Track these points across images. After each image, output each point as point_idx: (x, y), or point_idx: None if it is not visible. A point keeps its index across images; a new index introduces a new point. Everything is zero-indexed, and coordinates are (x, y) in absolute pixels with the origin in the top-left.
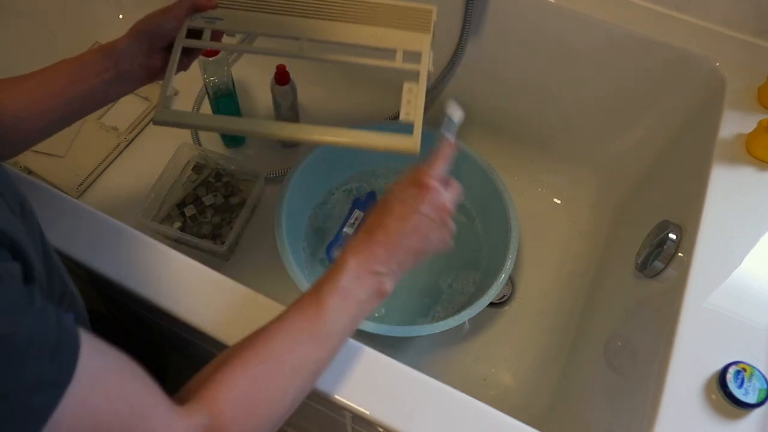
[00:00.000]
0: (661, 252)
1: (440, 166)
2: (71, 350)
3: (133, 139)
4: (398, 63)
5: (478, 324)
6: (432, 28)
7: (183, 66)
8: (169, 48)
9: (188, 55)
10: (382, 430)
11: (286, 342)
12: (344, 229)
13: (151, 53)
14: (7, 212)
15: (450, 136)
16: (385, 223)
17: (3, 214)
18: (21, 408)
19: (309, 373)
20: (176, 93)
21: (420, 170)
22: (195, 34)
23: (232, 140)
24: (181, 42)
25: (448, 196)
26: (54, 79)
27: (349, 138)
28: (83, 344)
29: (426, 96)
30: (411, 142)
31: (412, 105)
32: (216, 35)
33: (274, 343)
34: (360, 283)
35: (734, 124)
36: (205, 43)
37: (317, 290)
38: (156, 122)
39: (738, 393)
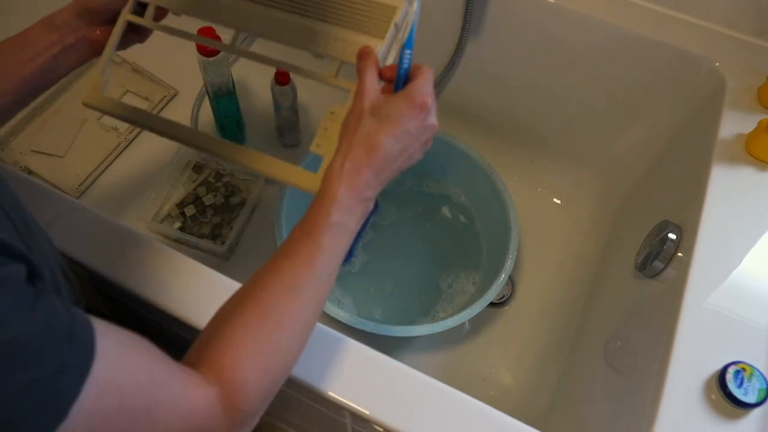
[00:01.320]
0: (661, 252)
1: (429, 79)
2: (87, 334)
3: (133, 139)
4: (331, 77)
5: (478, 324)
6: (389, 34)
7: (133, 41)
8: (114, 22)
9: (137, 31)
10: (382, 430)
11: (285, 290)
12: None
13: (94, 27)
14: (6, 223)
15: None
16: (381, 145)
17: (1, 225)
18: (49, 393)
19: (311, 315)
20: (176, 94)
21: (418, 88)
22: (142, 9)
23: (232, 140)
24: (124, 17)
25: (434, 113)
26: (3, 63)
27: (252, 162)
28: (96, 327)
29: None
30: (312, 181)
31: (328, 135)
32: (160, 13)
33: (273, 293)
34: (351, 213)
35: (734, 124)
36: (148, 21)
37: (309, 229)
38: (84, 104)
39: (738, 393)
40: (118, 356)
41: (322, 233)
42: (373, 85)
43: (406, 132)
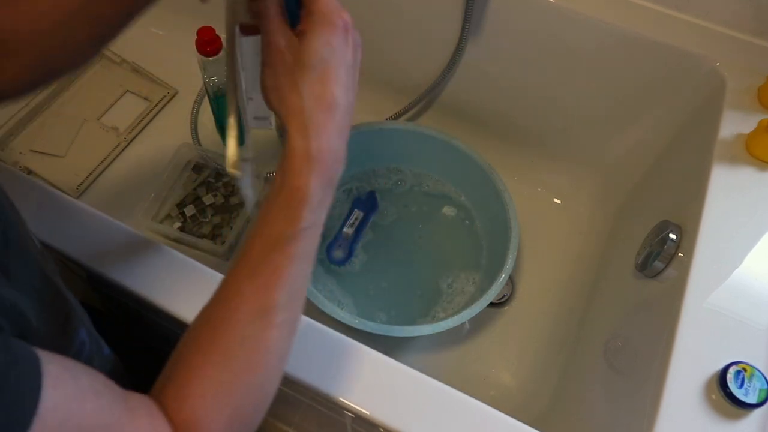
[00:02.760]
0: (661, 252)
1: None
2: (32, 390)
3: (133, 139)
4: None
5: (478, 324)
6: None
7: None
8: None
9: None
10: (382, 430)
11: (253, 316)
12: (344, 229)
13: None
14: None
15: None
16: (337, 100)
17: None
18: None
19: (287, 341)
20: (176, 93)
21: (327, 5)
22: None
23: None
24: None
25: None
26: None
27: None
28: (45, 376)
29: (424, 98)
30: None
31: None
32: None
33: (238, 321)
34: (324, 206)
35: (734, 124)
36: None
37: (276, 238)
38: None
39: (738, 393)
40: (64, 409)
41: (294, 243)
42: (283, 26)
43: (347, 67)
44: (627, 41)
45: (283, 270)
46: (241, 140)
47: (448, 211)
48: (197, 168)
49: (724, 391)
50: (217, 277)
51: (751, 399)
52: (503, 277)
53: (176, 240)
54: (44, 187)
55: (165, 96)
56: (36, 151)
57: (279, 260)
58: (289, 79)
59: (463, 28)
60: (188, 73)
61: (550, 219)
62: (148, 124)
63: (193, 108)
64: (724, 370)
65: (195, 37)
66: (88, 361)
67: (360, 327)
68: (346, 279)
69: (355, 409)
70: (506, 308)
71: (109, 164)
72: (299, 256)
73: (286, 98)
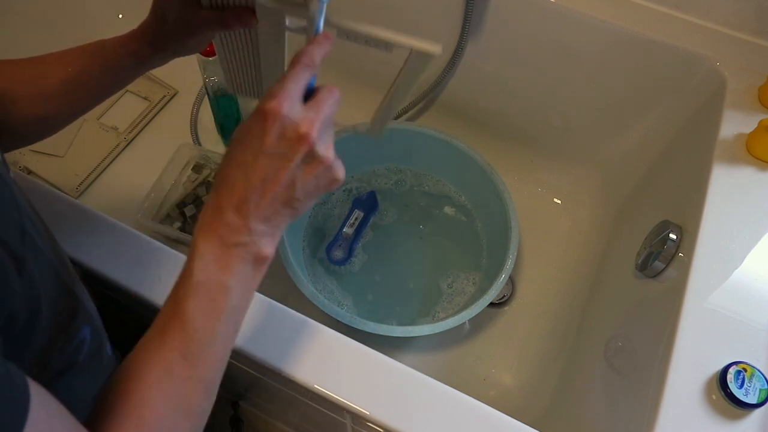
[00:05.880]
0: (661, 252)
1: (296, 78)
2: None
3: (132, 139)
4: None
5: (478, 324)
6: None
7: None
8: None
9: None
10: (381, 430)
11: (157, 380)
12: (344, 229)
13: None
14: None
15: (317, 22)
16: (230, 179)
17: None
18: None
19: (199, 397)
20: (176, 93)
21: (265, 95)
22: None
23: None
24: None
25: (309, 116)
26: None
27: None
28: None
29: (424, 98)
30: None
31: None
32: None
33: (144, 387)
34: (221, 265)
35: (734, 124)
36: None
37: (174, 295)
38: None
39: (738, 393)
40: None
41: (187, 298)
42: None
43: (258, 153)
44: (627, 41)
45: (184, 330)
46: None
47: (448, 211)
48: (197, 168)
49: (725, 392)
50: None
51: (752, 399)
52: (503, 277)
53: (176, 240)
54: (44, 187)
55: (165, 96)
56: (36, 151)
57: (176, 317)
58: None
59: (463, 28)
60: (188, 73)
61: (550, 219)
62: (148, 124)
63: (193, 108)
64: (725, 370)
65: None
66: (86, 359)
67: (360, 327)
68: (346, 279)
69: (355, 409)
70: (506, 308)
71: (109, 164)
72: (198, 312)
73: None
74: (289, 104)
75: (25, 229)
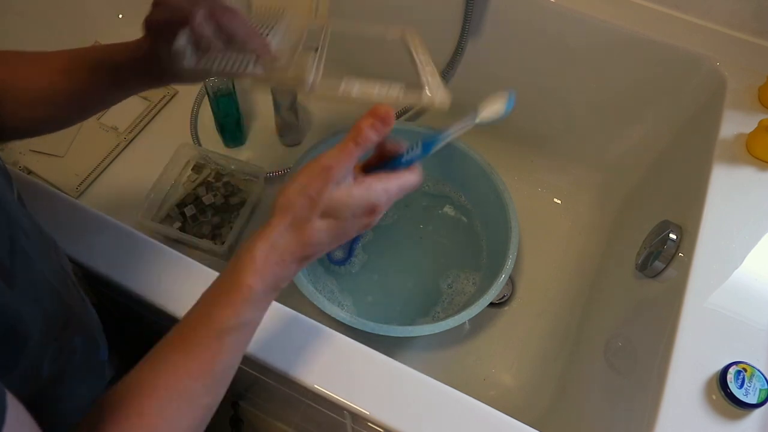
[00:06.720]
0: (661, 252)
1: (402, 188)
2: None
3: (132, 139)
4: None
5: (478, 324)
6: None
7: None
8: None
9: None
10: (382, 430)
11: (176, 390)
12: None
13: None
14: None
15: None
16: (314, 238)
17: None
18: None
19: (202, 420)
20: (176, 94)
21: (384, 193)
22: None
23: (232, 140)
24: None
25: (389, 193)
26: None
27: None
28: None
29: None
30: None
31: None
32: None
33: (160, 393)
34: (262, 308)
35: (734, 124)
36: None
37: (217, 324)
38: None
39: (738, 393)
40: None
41: (232, 333)
42: (347, 164)
43: (345, 229)
44: (627, 41)
45: (216, 358)
46: (240, 139)
47: (448, 211)
48: (197, 168)
49: (725, 392)
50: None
51: (752, 399)
52: (503, 277)
53: (176, 240)
54: (44, 187)
55: (165, 96)
56: (36, 151)
57: (215, 347)
58: (304, 195)
59: (463, 28)
60: None
61: (550, 219)
62: (148, 124)
63: (193, 108)
64: (725, 370)
65: None
66: (77, 367)
67: (360, 327)
68: (346, 279)
69: (355, 409)
70: (506, 308)
71: (109, 164)
72: (231, 347)
73: (285, 202)
74: (387, 205)
75: (15, 241)
